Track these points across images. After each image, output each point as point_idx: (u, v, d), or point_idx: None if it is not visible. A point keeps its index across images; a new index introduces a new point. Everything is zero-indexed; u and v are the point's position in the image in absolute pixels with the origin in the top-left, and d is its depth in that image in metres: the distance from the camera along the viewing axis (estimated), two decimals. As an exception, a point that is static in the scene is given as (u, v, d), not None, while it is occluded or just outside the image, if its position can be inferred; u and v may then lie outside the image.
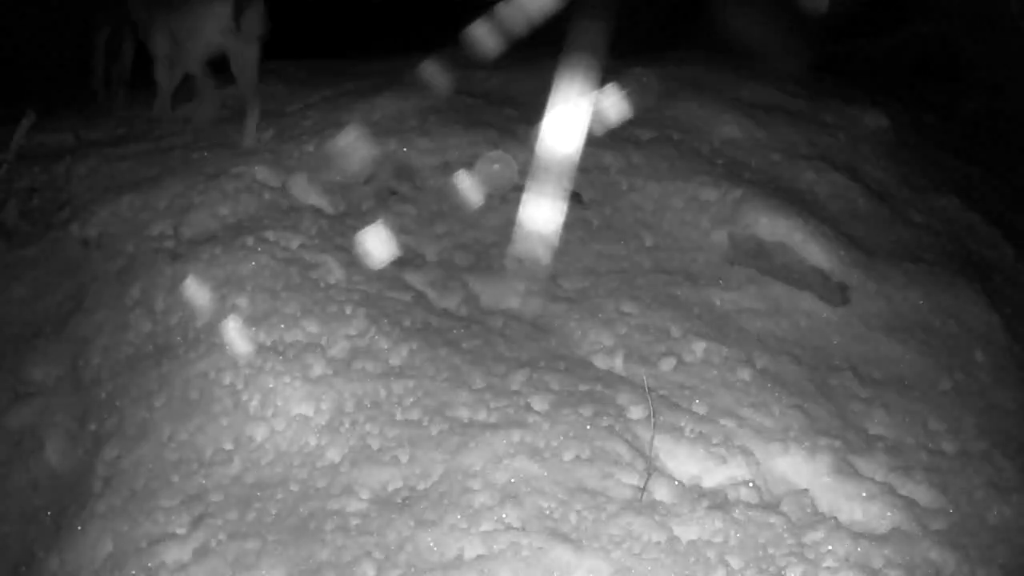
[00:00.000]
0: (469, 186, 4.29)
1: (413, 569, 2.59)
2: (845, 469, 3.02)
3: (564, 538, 2.65)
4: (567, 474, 2.86)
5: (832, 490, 2.97)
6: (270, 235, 3.87)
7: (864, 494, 2.93)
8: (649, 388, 3.17)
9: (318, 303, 3.52)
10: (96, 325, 3.66)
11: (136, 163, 4.65)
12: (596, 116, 4.50)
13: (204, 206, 4.10)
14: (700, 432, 3.09)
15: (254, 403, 3.16)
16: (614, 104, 4.66)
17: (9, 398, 3.63)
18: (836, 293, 3.90)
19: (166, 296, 3.62)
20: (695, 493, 2.89)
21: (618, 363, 3.46)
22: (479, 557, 2.61)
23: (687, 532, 2.71)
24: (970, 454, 3.21)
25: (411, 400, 3.16)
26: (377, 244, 3.92)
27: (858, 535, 2.77)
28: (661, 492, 2.85)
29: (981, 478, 3.08)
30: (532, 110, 4.69)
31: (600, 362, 3.47)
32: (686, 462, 3.01)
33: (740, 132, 4.89)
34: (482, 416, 3.08)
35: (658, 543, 2.66)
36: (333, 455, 3.01)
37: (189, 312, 3.52)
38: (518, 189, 4.21)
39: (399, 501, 2.82)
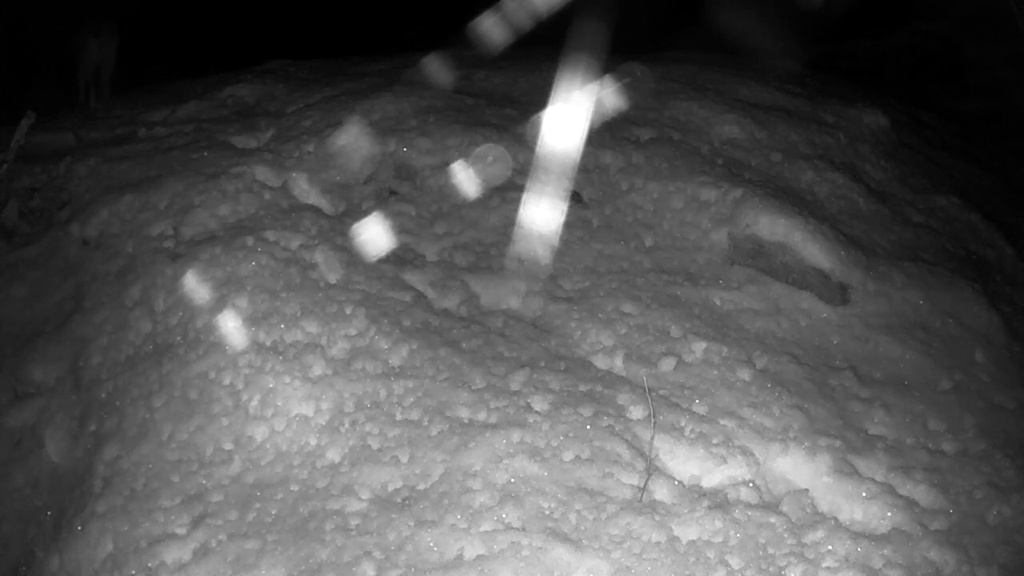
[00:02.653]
0: (469, 186, 4.28)
1: (413, 569, 2.59)
2: (845, 469, 3.02)
3: (564, 538, 2.65)
4: (567, 474, 2.86)
5: (832, 490, 2.97)
6: (270, 235, 3.87)
7: (864, 494, 2.93)
8: (649, 388, 3.18)
9: (318, 303, 3.52)
10: (96, 325, 3.66)
11: (136, 163, 4.65)
12: (596, 116, 4.49)
13: (204, 206, 4.10)
14: (700, 432, 3.09)
15: (254, 403, 3.16)
16: (614, 103, 4.66)
17: (9, 398, 3.63)
18: (836, 293, 3.90)
19: (166, 296, 3.62)
20: (695, 493, 2.89)
21: (618, 363, 3.46)
22: (479, 557, 2.61)
23: (687, 532, 2.71)
24: (970, 454, 3.21)
25: (411, 400, 3.16)
26: (377, 244, 3.92)
27: (858, 535, 2.77)
28: (661, 492, 2.85)
29: (981, 478, 3.08)
30: (532, 110, 4.69)
31: (600, 362, 3.47)
32: (686, 462, 3.01)
33: (740, 132, 4.89)
34: (482, 416, 3.09)
35: (658, 543, 2.66)
36: (333, 455, 3.01)
37: (189, 312, 3.52)
38: (518, 189, 4.21)
39: (399, 501, 2.82)
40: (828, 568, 2.63)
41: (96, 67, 6.40)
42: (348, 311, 3.50)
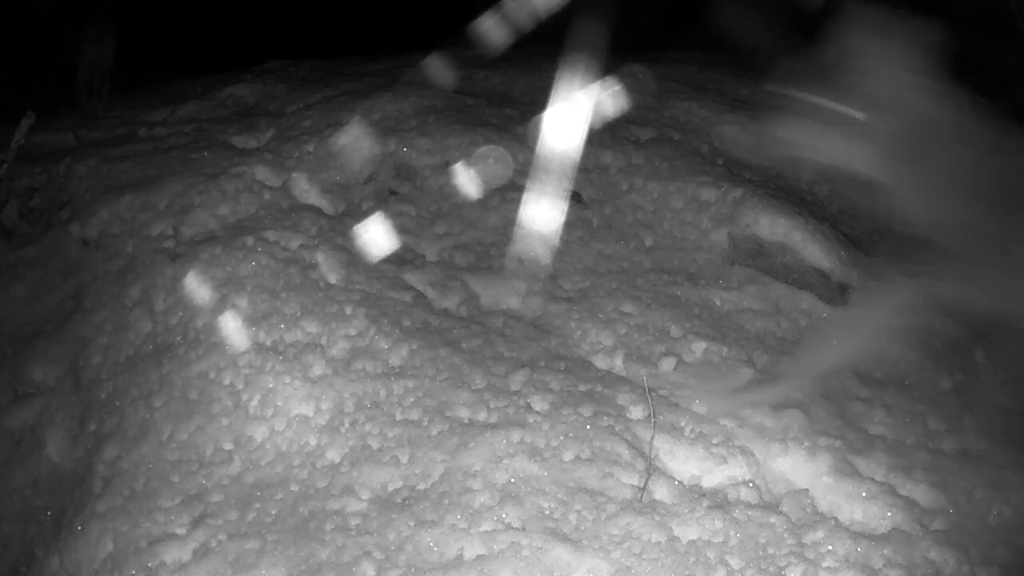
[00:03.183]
0: (469, 186, 4.28)
1: (413, 569, 2.59)
2: (845, 469, 3.02)
3: (564, 538, 2.65)
4: (567, 474, 2.86)
5: (832, 490, 2.97)
6: (270, 235, 3.87)
7: (864, 494, 2.93)
8: (649, 388, 3.17)
9: (318, 303, 3.52)
10: (96, 325, 3.66)
11: (136, 163, 4.65)
12: (596, 116, 4.49)
13: (204, 206, 4.10)
14: (700, 432, 3.09)
15: (254, 403, 3.16)
16: (614, 103, 4.66)
17: (9, 398, 3.63)
18: (836, 293, 3.90)
19: (166, 296, 3.62)
20: (695, 493, 2.89)
21: (618, 363, 3.46)
22: (479, 557, 2.61)
23: (687, 532, 2.71)
24: (970, 454, 3.21)
25: (411, 400, 3.16)
26: (377, 244, 3.92)
27: (858, 535, 2.77)
28: (661, 492, 2.84)
29: (981, 478, 3.08)
30: (532, 110, 4.68)
31: (600, 362, 3.47)
32: (686, 462, 3.01)
33: (740, 132, 4.89)
34: (482, 416, 3.08)
35: (658, 543, 2.66)
36: (333, 455, 3.01)
37: (189, 312, 3.52)
38: (518, 189, 4.21)
39: (399, 501, 2.82)
40: (828, 568, 2.63)
41: (94, 67, 6.41)
42: (348, 311, 3.50)
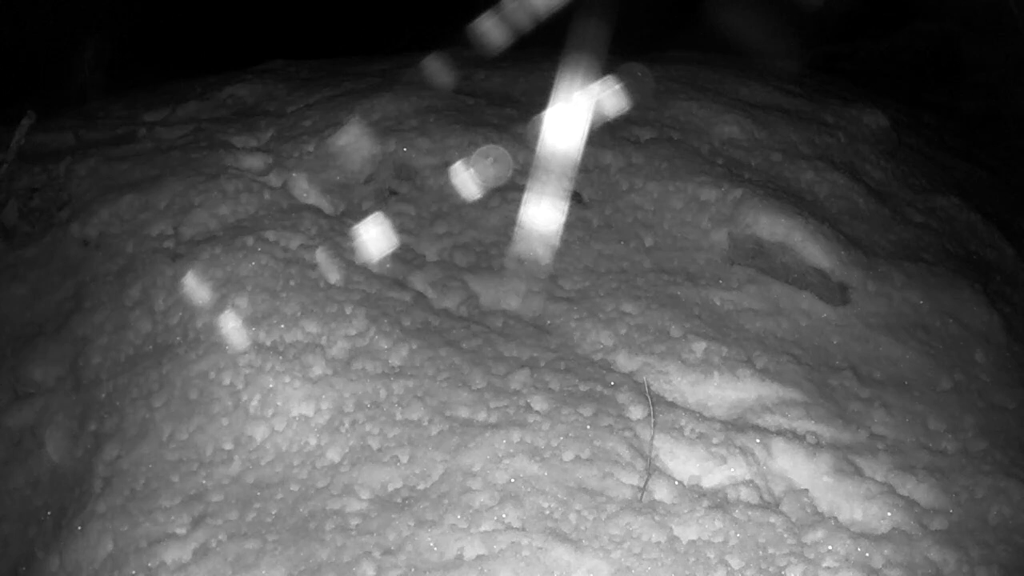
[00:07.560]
0: (469, 186, 4.28)
1: (413, 569, 2.59)
2: (845, 469, 3.02)
3: (564, 538, 2.65)
4: (567, 474, 2.86)
5: (832, 490, 2.97)
6: (270, 235, 3.87)
7: (864, 494, 2.93)
8: (649, 388, 3.18)
9: (318, 303, 3.52)
10: (96, 325, 3.66)
11: (136, 163, 4.64)
12: (596, 116, 4.50)
13: (204, 206, 4.10)
14: (700, 432, 3.09)
15: (254, 403, 3.16)
16: (614, 103, 4.66)
17: (9, 398, 3.63)
18: (836, 293, 3.90)
19: (166, 296, 3.62)
20: (695, 493, 2.89)
21: (618, 363, 3.46)
22: (479, 557, 2.61)
23: (687, 532, 2.71)
24: (970, 454, 3.21)
25: (411, 400, 3.16)
26: (377, 244, 3.92)
27: (858, 535, 2.77)
28: (661, 492, 2.85)
29: (981, 478, 3.08)
30: (532, 110, 4.68)
31: (600, 362, 3.47)
32: (686, 462, 3.01)
33: (740, 132, 4.89)
34: (482, 416, 3.09)
35: (658, 543, 2.66)
36: (333, 455, 3.01)
37: (189, 312, 3.52)
38: (518, 189, 4.21)
39: (399, 501, 2.83)
40: (828, 568, 2.63)
41: (92, 66, 6.35)
42: (348, 311, 3.50)
